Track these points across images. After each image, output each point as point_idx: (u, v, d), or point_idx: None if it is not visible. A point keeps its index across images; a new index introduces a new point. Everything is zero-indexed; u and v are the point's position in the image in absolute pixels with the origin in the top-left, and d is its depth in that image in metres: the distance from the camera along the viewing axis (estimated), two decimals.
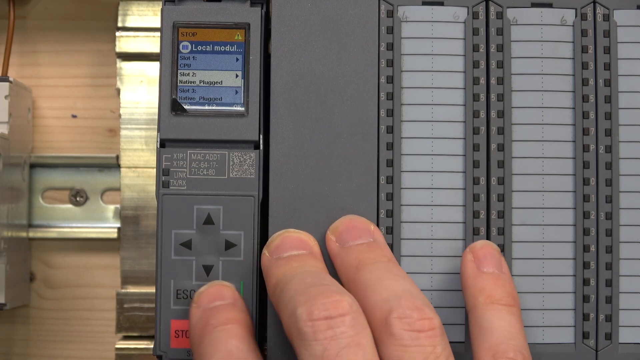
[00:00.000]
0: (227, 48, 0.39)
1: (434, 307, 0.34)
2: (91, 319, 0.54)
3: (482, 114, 0.39)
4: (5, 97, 0.50)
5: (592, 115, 0.39)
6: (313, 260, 0.36)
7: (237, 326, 0.36)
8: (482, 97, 0.39)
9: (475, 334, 0.36)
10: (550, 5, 0.39)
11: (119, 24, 0.52)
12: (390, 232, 0.38)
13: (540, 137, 0.39)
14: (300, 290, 0.33)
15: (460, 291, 0.37)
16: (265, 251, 0.37)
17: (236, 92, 0.38)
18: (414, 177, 0.39)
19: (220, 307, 0.36)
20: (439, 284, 0.38)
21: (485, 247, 0.37)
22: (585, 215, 0.39)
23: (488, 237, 0.38)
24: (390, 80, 0.39)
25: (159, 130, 0.38)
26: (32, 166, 0.53)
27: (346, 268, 0.36)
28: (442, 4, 0.39)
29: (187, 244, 0.38)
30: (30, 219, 0.53)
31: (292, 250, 0.36)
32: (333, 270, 0.37)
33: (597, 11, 0.39)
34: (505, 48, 0.39)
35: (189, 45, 0.39)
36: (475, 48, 0.39)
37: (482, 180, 0.39)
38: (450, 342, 0.34)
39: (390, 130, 0.39)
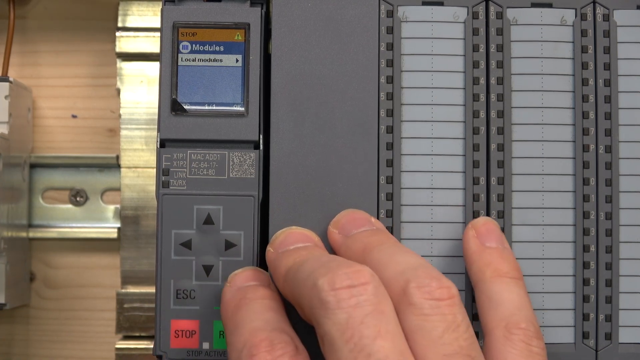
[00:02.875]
0: (227, 48, 0.39)
1: None
2: (91, 319, 0.54)
3: (482, 114, 0.39)
4: (5, 97, 0.50)
5: (592, 115, 0.39)
6: (321, 250, 0.36)
7: (274, 302, 0.35)
8: (482, 97, 0.39)
9: (485, 306, 0.36)
10: (550, 5, 0.39)
11: (119, 24, 0.52)
12: (390, 232, 0.38)
13: (540, 137, 0.39)
14: (319, 266, 0.33)
15: (462, 291, 0.37)
16: (269, 248, 0.37)
17: (236, 92, 0.38)
18: (414, 177, 0.39)
19: (256, 286, 0.36)
20: None
21: (487, 224, 0.38)
22: (585, 215, 0.39)
23: None
24: (390, 80, 0.39)
25: (159, 130, 0.38)
26: (32, 166, 0.53)
27: (354, 253, 0.36)
28: (442, 4, 0.39)
29: (187, 244, 0.38)
30: (30, 219, 0.53)
31: (297, 244, 0.36)
32: None
33: (597, 11, 0.39)
34: (505, 48, 0.39)
35: (189, 45, 0.39)
36: (475, 48, 0.39)
37: (482, 180, 0.39)
38: None
39: (390, 130, 0.39)
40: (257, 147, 0.38)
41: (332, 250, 0.37)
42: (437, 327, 0.33)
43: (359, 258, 0.35)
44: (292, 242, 0.37)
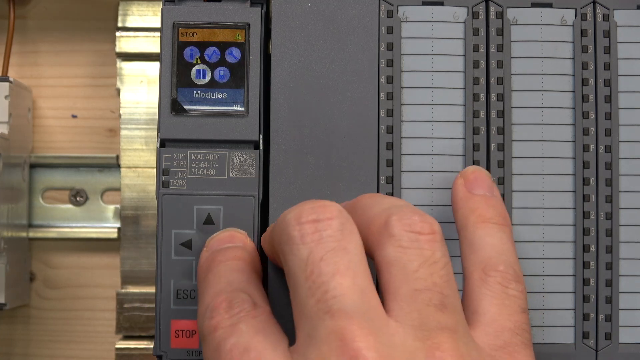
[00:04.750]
0: (227, 48, 0.39)
1: None
2: (91, 319, 0.54)
3: (482, 114, 0.39)
4: (5, 97, 0.50)
5: (592, 115, 0.39)
6: None
7: (243, 263, 0.35)
8: (482, 97, 0.39)
9: (466, 251, 0.35)
10: (550, 5, 0.39)
11: (119, 24, 0.52)
12: None
13: (540, 137, 0.39)
14: (289, 209, 0.33)
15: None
16: (264, 235, 0.37)
17: (236, 92, 0.38)
18: (414, 177, 0.39)
19: (229, 248, 0.36)
20: None
21: (476, 172, 0.37)
22: (585, 215, 0.39)
23: None
24: (390, 80, 0.39)
25: (159, 130, 0.38)
26: (32, 166, 0.53)
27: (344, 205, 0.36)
28: (442, 4, 0.39)
29: (187, 244, 0.38)
30: (30, 219, 0.53)
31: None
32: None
33: (597, 11, 0.39)
34: (505, 48, 0.39)
35: (189, 45, 0.39)
36: (475, 48, 0.39)
37: None
38: None
39: (390, 130, 0.39)
40: (257, 147, 0.38)
41: None
42: (413, 260, 0.32)
43: (348, 204, 0.35)
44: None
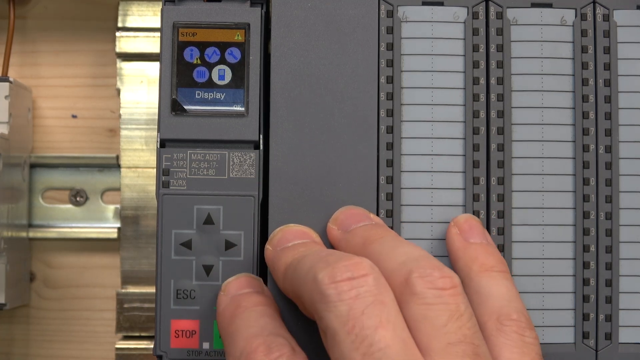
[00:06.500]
0: (227, 48, 0.39)
1: None
2: (91, 319, 0.54)
3: (482, 114, 0.39)
4: (5, 97, 0.50)
5: (592, 115, 0.39)
6: (319, 246, 0.37)
7: (268, 308, 0.36)
8: (482, 97, 0.39)
9: (475, 301, 0.36)
10: (550, 5, 0.39)
11: (119, 24, 0.52)
12: None
13: (540, 137, 0.39)
14: (318, 260, 0.33)
15: None
16: (268, 246, 0.37)
17: (236, 92, 0.38)
18: (414, 177, 0.39)
19: (250, 293, 0.36)
20: None
21: (469, 220, 0.38)
22: (585, 215, 0.39)
23: None
24: (390, 80, 0.39)
25: (159, 130, 0.38)
26: (32, 166, 0.53)
27: (353, 247, 0.36)
28: (442, 4, 0.39)
29: (187, 244, 0.38)
30: (30, 219, 0.53)
31: (295, 240, 0.36)
32: None
33: (597, 11, 0.39)
34: (505, 48, 0.39)
35: (189, 45, 0.39)
36: (475, 48, 0.39)
37: (482, 180, 0.39)
38: None
39: (390, 130, 0.39)
40: (257, 147, 0.38)
41: (331, 247, 0.37)
42: (440, 315, 0.33)
43: (358, 252, 0.35)
44: (290, 239, 0.37)
